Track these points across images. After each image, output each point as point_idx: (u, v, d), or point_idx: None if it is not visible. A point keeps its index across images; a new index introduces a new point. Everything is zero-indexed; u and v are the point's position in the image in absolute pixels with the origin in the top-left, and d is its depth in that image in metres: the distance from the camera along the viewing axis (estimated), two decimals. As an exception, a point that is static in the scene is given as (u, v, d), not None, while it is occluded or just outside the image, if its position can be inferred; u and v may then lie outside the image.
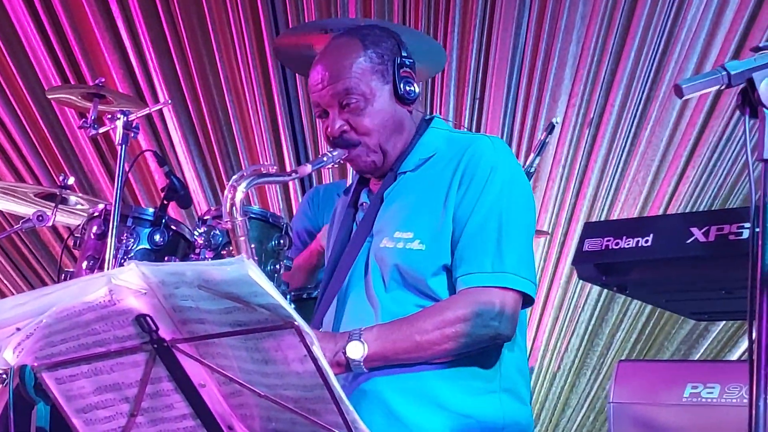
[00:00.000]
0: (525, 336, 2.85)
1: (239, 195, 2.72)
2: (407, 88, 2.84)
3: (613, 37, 5.47)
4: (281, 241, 3.54)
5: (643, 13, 5.37)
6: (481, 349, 2.69)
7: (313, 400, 2.05)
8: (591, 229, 2.41)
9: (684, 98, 2.07)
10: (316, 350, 2.00)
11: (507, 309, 2.66)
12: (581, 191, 5.62)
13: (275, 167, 2.92)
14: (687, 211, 5.26)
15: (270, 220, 3.56)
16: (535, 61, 5.70)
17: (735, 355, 5.17)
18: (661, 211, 5.36)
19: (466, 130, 4.92)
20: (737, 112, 2.03)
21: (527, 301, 2.72)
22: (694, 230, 2.20)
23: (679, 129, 5.37)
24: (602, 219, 5.47)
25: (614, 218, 5.44)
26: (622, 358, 5.46)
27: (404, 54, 2.88)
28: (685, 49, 5.29)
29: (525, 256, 2.73)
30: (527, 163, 4.33)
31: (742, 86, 2.06)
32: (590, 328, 5.67)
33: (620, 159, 5.54)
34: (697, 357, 5.28)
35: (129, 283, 2.02)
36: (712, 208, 5.19)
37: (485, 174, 2.73)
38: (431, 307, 2.69)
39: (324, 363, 2.00)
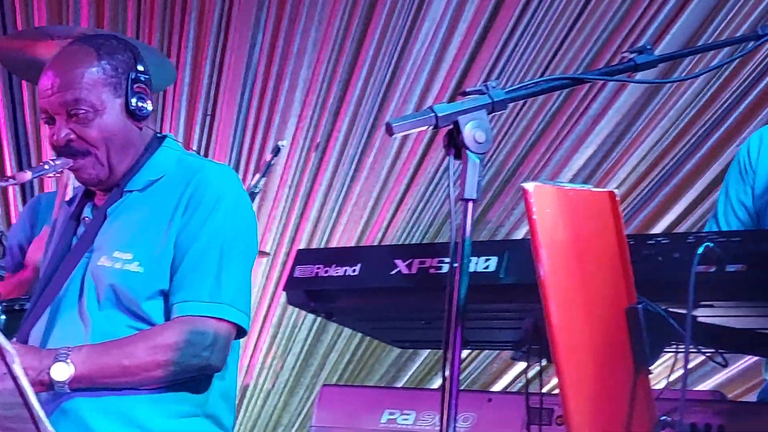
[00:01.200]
0: (237, 364, 2.87)
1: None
2: (139, 104, 2.81)
3: (343, 65, 5.60)
4: (-7, 250, 3.44)
5: (372, 44, 5.53)
6: (192, 377, 2.70)
7: (12, 418, 2.02)
8: (302, 257, 2.47)
9: (394, 136, 2.16)
10: (17, 369, 1.97)
11: (220, 340, 2.68)
12: (305, 213, 5.71)
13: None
14: (404, 237, 5.45)
15: (-18, 228, 3.45)
16: (267, 82, 5.77)
17: (438, 382, 5.38)
18: (379, 236, 5.52)
19: (195, 152, 4.91)
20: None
21: (241, 332, 2.75)
22: (398, 262, 2.29)
23: (400, 158, 5.54)
24: (324, 241, 5.58)
25: (336, 241, 5.56)
26: (335, 378, 5.58)
27: (141, 69, 2.83)
28: (410, 82, 5.47)
29: (243, 288, 2.76)
30: (252, 183, 4.36)
31: (449, 128, 2.16)
32: (306, 347, 5.76)
33: (344, 184, 5.66)
34: (404, 380, 5.46)
35: None
36: (427, 236, 5.39)
37: (211, 202, 2.74)
38: (143, 332, 2.68)
39: (24, 382, 1.98)
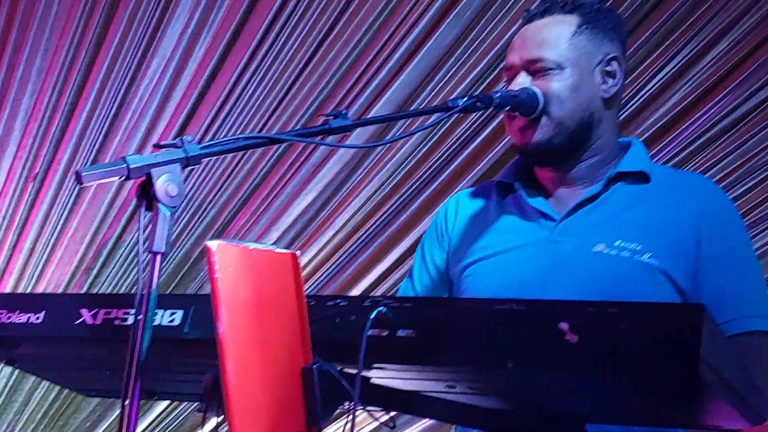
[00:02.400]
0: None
1: None
2: None
3: (67, 96, 5.48)
4: None
5: (99, 76, 5.44)
6: None
7: None
8: (-15, 301, 2.40)
9: (84, 186, 2.13)
10: None
11: None
12: (18, 246, 5.55)
13: None
14: (120, 275, 5.38)
15: None
16: (-13, 108, 5.59)
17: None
18: (94, 273, 5.42)
19: None
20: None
21: None
22: (84, 312, 2.26)
23: (120, 194, 5.47)
24: (36, 276, 5.45)
25: (48, 276, 5.43)
26: (33, 426, 5.46)
27: None
28: (136, 117, 5.41)
29: None
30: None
31: (141, 179, 2.15)
32: (11, 383, 5.59)
33: (62, 216, 5.54)
34: (105, 426, 5.39)
35: None
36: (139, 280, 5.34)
37: None
38: None
39: None
